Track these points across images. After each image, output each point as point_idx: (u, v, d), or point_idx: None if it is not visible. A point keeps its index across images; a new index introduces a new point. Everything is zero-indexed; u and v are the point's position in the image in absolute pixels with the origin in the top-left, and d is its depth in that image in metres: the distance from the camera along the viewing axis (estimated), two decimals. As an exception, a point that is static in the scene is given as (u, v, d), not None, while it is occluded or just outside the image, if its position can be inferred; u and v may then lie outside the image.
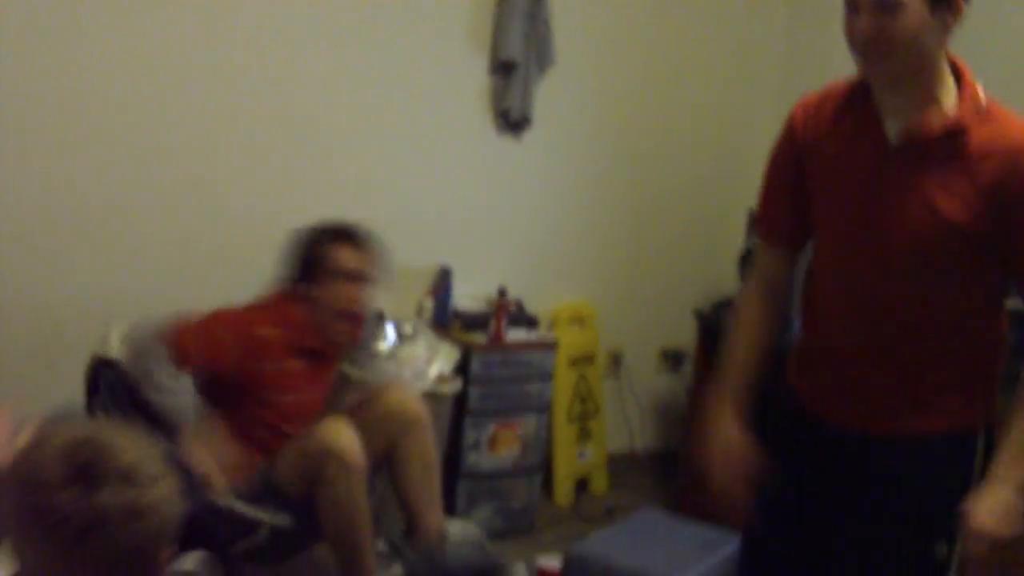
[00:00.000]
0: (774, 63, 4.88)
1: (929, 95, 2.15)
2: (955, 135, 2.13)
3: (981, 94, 2.16)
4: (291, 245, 3.34)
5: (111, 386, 3.19)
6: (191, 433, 3.10)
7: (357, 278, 3.30)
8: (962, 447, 2.26)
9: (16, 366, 3.58)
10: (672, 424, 4.92)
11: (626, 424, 4.85)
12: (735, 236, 4.44)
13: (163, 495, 1.56)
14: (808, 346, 2.49)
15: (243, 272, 3.84)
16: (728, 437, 2.40)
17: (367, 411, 3.32)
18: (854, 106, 2.28)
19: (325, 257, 3.29)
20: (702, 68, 4.78)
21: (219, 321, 3.20)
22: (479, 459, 4.08)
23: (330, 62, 3.94)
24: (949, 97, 2.16)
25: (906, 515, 2.25)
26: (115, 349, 3.27)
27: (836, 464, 2.33)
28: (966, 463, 2.25)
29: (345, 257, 3.29)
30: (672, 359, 4.89)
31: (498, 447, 4.13)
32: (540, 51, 4.24)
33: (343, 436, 3.09)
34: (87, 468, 1.51)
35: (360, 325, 3.42)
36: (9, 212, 3.53)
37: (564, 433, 4.54)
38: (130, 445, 1.57)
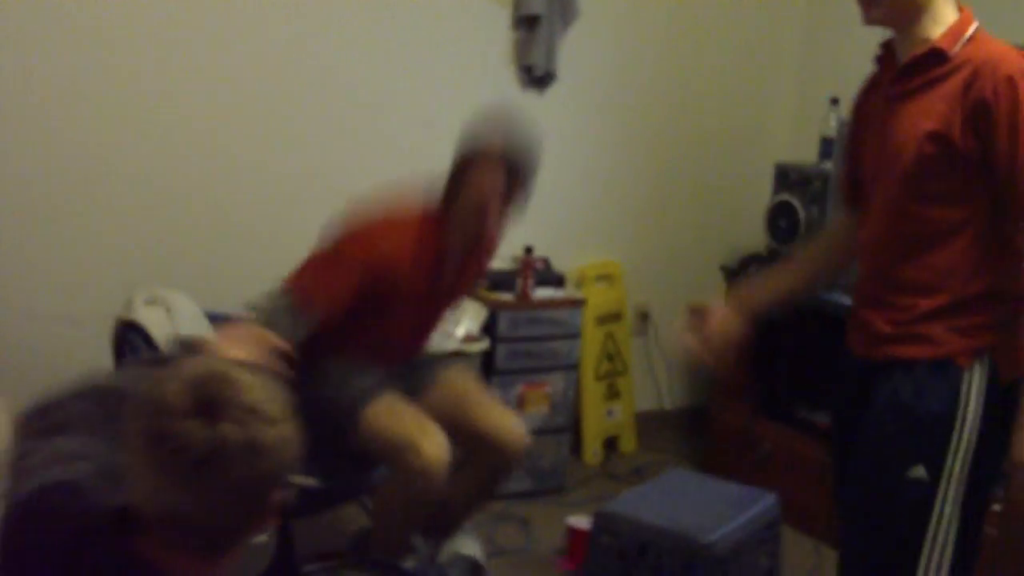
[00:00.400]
0: (799, 15, 4.81)
1: (925, 34, 2.32)
2: (931, 57, 2.31)
3: (970, 29, 2.34)
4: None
5: (136, 349, 3.18)
6: None
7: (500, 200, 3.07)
8: (945, 376, 2.35)
9: (42, 330, 3.57)
10: (700, 381, 4.89)
11: (654, 382, 4.83)
12: (762, 191, 4.39)
13: (283, 436, 1.58)
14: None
15: (268, 234, 3.85)
16: (724, 314, 2.63)
17: (467, 424, 3.19)
18: (885, 57, 2.48)
19: (479, 166, 3.05)
20: (727, 22, 4.72)
21: (347, 259, 3.01)
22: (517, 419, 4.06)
23: (353, 20, 3.91)
24: (944, 28, 2.33)
25: (892, 437, 2.38)
26: (139, 313, 3.25)
27: (852, 390, 2.50)
28: (949, 393, 2.34)
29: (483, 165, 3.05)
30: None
31: (526, 406, 4.12)
32: (564, 4, 4.18)
33: (437, 450, 2.96)
34: (213, 400, 1.54)
35: (490, 250, 3.32)
36: (33, 178, 3.52)
37: (592, 392, 4.52)
38: (257, 384, 1.60)
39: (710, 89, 4.75)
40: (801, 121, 4.75)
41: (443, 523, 3.32)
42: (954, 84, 2.28)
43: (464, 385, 3.31)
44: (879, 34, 4.38)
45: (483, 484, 3.31)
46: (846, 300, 3.87)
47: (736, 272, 4.37)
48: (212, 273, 3.72)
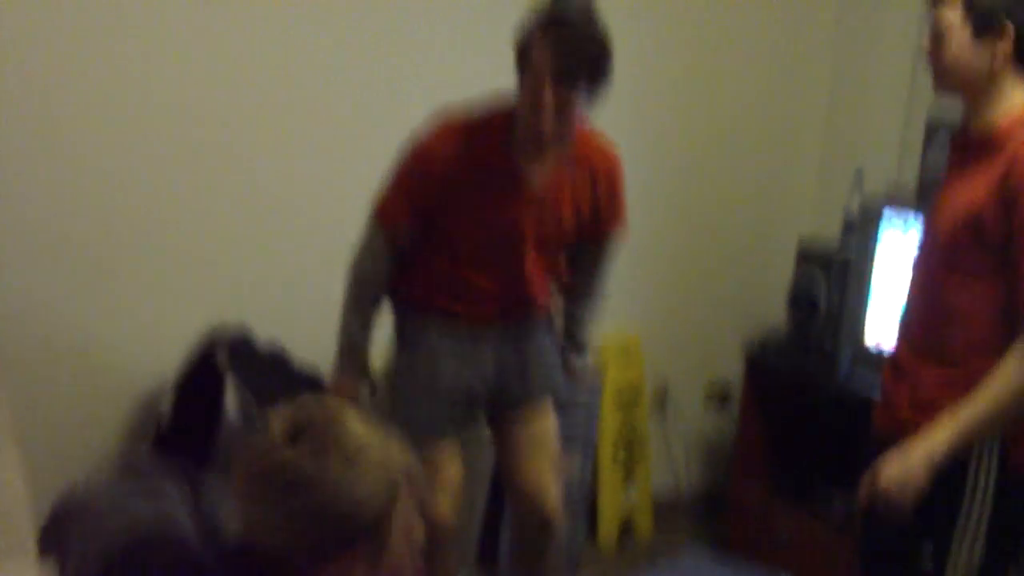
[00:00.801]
0: (822, 90, 4.77)
1: (986, 106, 2.43)
2: (988, 139, 2.41)
3: None
4: None
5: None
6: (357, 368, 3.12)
7: (541, 73, 2.77)
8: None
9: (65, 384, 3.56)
10: (718, 464, 4.80)
11: (671, 464, 4.75)
12: (784, 267, 4.32)
13: (357, 484, 1.60)
14: None
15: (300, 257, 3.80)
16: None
17: (512, 473, 3.23)
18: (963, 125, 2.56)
19: (531, 46, 2.80)
20: (750, 94, 4.67)
21: (401, 164, 2.98)
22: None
23: (381, 83, 3.87)
24: (1008, 111, 2.42)
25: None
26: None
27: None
28: (958, 472, 2.38)
29: (541, 55, 2.77)
30: (719, 396, 4.77)
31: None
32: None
33: (444, 508, 3.06)
34: (302, 426, 1.61)
35: (560, 126, 2.88)
36: (61, 228, 3.49)
37: (609, 474, 4.44)
38: (362, 429, 1.65)
39: (733, 162, 4.70)
40: (825, 196, 4.70)
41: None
42: (998, 165, 2.35)
43: (537, 438, 3.24)
44: (902, 110, 4.37)
45: (526, 554, 3.30)
46: (867, 386, 3.81)
47: (756, 352, 4.30)
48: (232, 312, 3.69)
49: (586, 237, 3.16)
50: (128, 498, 1.87)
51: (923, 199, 3.78)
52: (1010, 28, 2.37)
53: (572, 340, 3.35)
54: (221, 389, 3.38)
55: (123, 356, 3.63)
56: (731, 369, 4.60)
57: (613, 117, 4.27)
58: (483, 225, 2.99)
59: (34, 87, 3.35)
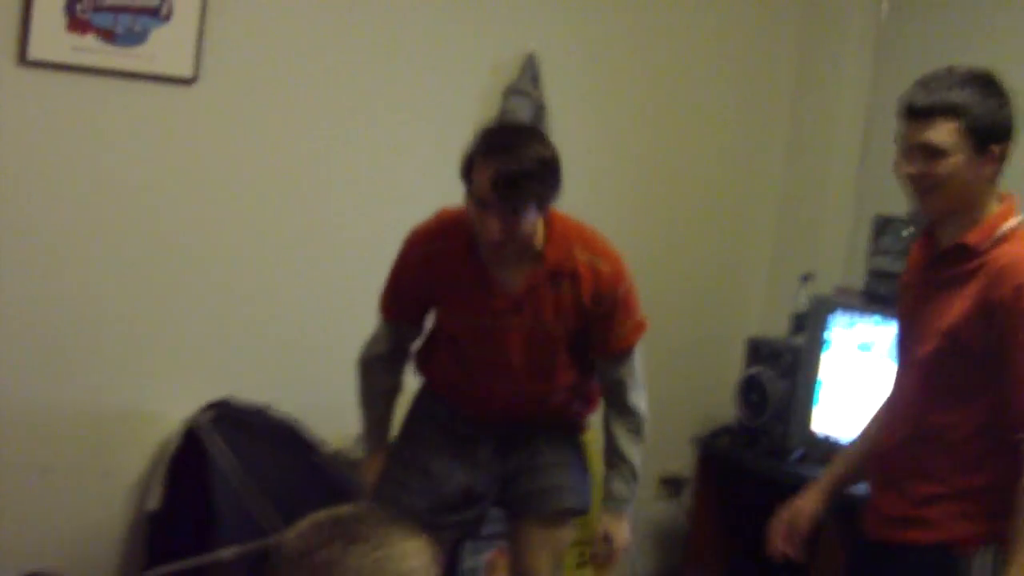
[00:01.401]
0: (772, 197, 4.92)
1: (967, 221, 2.41)
2: (959, 253, 2.40)
3: (1005, 225, 2.40)
4: None
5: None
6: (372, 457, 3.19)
7: (489, 206, 2.78)
8: (945, 563, 2.38)
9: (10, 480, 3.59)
10: (672, 552, 4.86)
11: (625, 552, 4.79)
12: (733, 364, 4.46)
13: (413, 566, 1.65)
14: None
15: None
16: (799, 504, 2.75)
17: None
18: (927, 238, 2.56)
19: (472, 170, 2.83)
20: (702, 199, 4.83)
21: (397, 263, 3.09)
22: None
23: (342, 185, 4.00)
24: (987, 224, 2.41)
25: None
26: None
27: (865, 571, 2.59)
28: None
29: (480, 178, 2.78)
30: (671, 485, 4.86)
31: (496, 574, 4.08)
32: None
33: None
34: (349, 529, 1.65)
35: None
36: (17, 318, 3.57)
37: (564, 561, 4.48)
38: (397, 544, 1.67)
39: (682, 261, 4.82)
40: (773, 296, 4.83)
41: None
42: (977, 285, 2.36)
43: (542, 538, 3.24)
44: (850, 216, 4.52)
45: None
46: (818, 475, 3.92)
47: (707, 444, 4.41)
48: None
49: (594, 352, 3.12)
50: None
51: (871, 296, 3.94)
52: (1004, 147, 2.39)
53: (606, 485, 3.23)
54: (206, 463, 3.46)
55: (96, 446, 3.72)
56: (684, 461, 4.68)
57: (568, 208, 4.43)
58: (465, 326, 3.06)
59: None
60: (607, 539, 3.18)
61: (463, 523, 3.20)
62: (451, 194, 2.97)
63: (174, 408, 3.68)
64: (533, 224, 2.85)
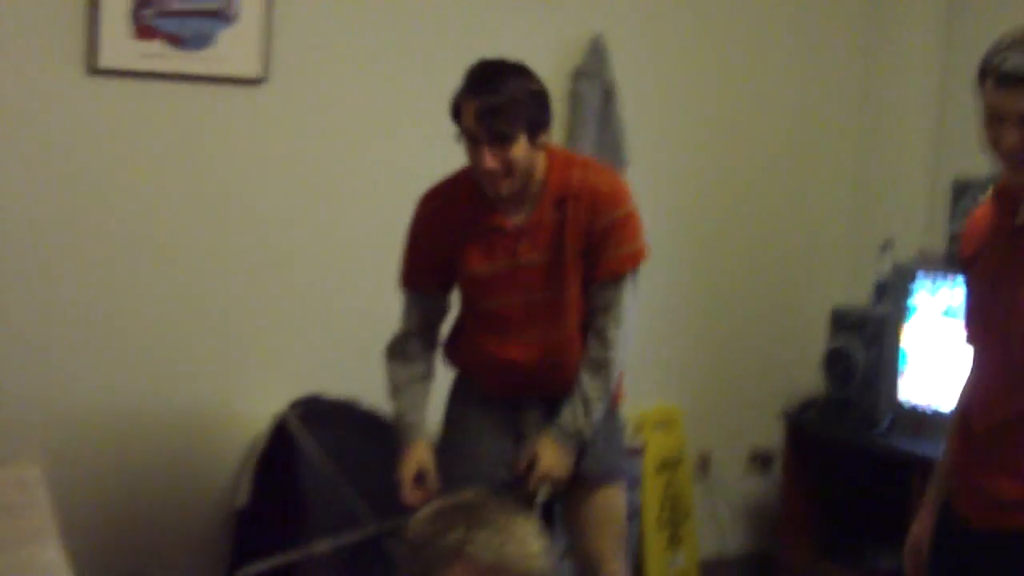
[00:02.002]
0: (849, 164, 4.87)
1: None
2: None
3: None
4: None
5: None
6: (406, 448, 3.12)
7: (478, 140, 2.89)
8: None
9: (106, 484, 3.67)
10: (764, 527, 4.84)
11: (717, 528, 4.79)
12: (818, 335, 4.42)
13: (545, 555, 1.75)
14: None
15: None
16: (917, 533, 2.56)
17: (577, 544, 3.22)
18: (1002, 201, 2.35)
19: (460, 110, 2.93)
20: (778, 170, 4.79)
21: (409, 232, 3.15)
22: (564, 570, 4.03)
23: (404, 163, 4.00)
24: None
25: None
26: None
27: (970, 561, 2.39)
28: None
29: (467, 114, 2.89)
30: (761, 460, 4.83)
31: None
32: (612, 155, 4.27)
33: None
34: (472, 515, 1.73)
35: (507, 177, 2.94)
36: (97, 331, 3.64)
37: (654, 539, 4.49)
38: (518, 529, 1.75)
39: (762, 234, 4.80)
40: (855, 265, 4.77)
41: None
42: None
43: (596, 514, 3.20)
44: (928, 180, 4.46)
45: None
46: (908, 444, 3.88)
47: (795, 418, 4.38)
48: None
49: (588, 277, 3.05)
50: None
51: (952, 261, 3.87)
52: None
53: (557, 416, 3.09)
54: (295, 458, 3.50)
55: (185, 445, 3.79)
56: (771, 434, 4.66)
57: (643, 190, 4.42)
58: (483, 276, 3.06)
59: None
60: (532, 461, 3.06)
61: (523, 499, 3.13)
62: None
63: (263, 406, 3.72)
64: (527, 155, 2.90)
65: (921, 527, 2.55)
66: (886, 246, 4.25)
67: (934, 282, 3.88)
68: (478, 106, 2.84)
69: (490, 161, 2.86)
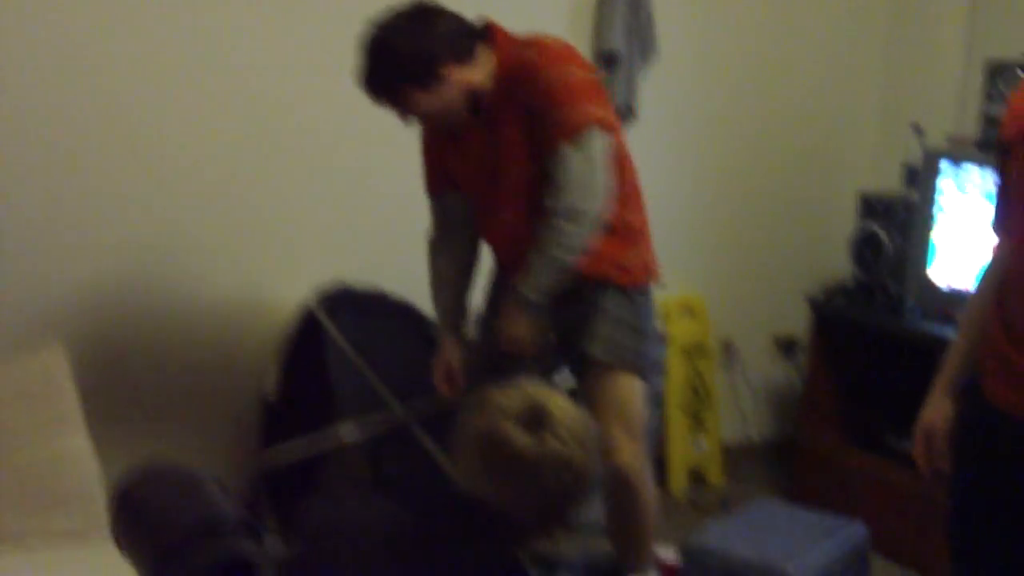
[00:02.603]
0: (879, 45, 4.79)
1: None
2: None
3: None
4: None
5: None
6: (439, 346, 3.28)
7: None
8: None
9: (131, 372, 3.67)
10: (787, 412, 4.86)
11: (740, 414, 4.81)
12: (845, 220, 4.38)
13: (589, 462, 1.88)
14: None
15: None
16: (929, 419, 2.52)
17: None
18: None
19: None
20: (806, 49, 4.72)
21: (421, 138, 3.24)
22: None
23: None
24: None
25: None
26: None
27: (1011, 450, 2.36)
28: None
29: None
30: (785, 346, 4.83)
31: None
32: (643, 42, 4.21)
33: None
34: (541, 417, 1.85)
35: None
36: (122, 221, 3.62)
37: (678, 424, 4.52)
38: (576, 415, 1.90)
39: (789, 117, 4.75)
40: (883, 148, 4.72)
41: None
42: None
43: (604, 398, 3.19)
44: (961, 62, 4.38)
45: (611, 513, 3.38)
46: (936, 328, 3.86)
47: (821, 303, 4.35)
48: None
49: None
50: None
51: (985, 145, 3.82)
52: None
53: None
54: (323, 347, 3.50)
55: (205, 336, 3.79)
56: (797, 321, 4.65)
57: (672, 78, 4.37)
58: (469, 172, 3.15)
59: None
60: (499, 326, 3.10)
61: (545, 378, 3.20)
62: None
63: (291, 294, 3.73)
64: (443, 94, 2.94)
65: (935, 412, 2.50)
66: (917, 129, 4.18)
67: (965, 167, 3.81)
68: (366, 92, 2.96)
69: (409, 121, 3.03)
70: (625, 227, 3.12)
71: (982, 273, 2.49)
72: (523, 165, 3.02)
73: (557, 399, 1.90)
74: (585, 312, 3.14)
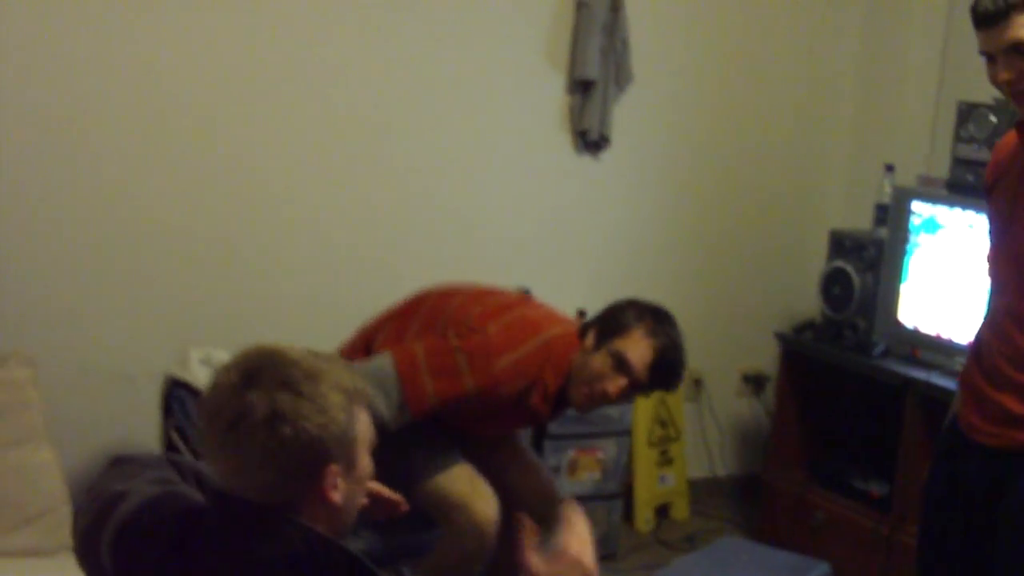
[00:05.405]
0: (852, 85, 4.80)
1: None
2: None
3: None
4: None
5: (185, 406, 3.21)
6: None
7: (626, 371, 2.96)
8: None
9: (95, 387, 3.62)
10: (754, 449, 4.85)
11: (707, 449, 4.79)
12: (816, 258, 4.38)
13: (316, 406, 1.66)
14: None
15: (326, 295, 3.87)
16: None
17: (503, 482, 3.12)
18: (1020, 132, 2.36)
19: (624, 327, 3.00)
20: (779, 87, 4.72)
21: (464, 357, 2.90)
22: (559, 484, 4.03)
23: (408, 86, 3.94)
24: None
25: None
26: (192, 372, 3.28)
27: (977, 477, 2.42)
28: None
29: (636, 344, 2.98)
30: (753, 382, 4.82)
31: (578, 472, 4.10)
32: (618, 69, 4.21)
33: (488, 509, 2.95)
34: (250, 371, 1.67)
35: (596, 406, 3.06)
36: (89, 230, 3.57)
37: (645, 458, 4.49)
38: (304, 360, 1.70)
39: (762, 156, 4.75)
40: (855, 187, 4.73)
41: None
42: None
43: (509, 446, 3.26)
44: (932, 103, 4.39)
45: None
46: (903, 369, 3.85)
47: (790, 339, 4.34)
48: (264, 334, 3.74)
49: None
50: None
51: (956, 186, 3.82)
52: None
53: None
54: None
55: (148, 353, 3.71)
56: (766, 357, 4.64)
57: (645, 107, 4.37)
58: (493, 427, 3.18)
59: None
60: None
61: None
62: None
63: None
64: None
65: None
66: (889, 168, 4.19)
67: (935, 206, 3.82)
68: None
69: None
70: None
71: None
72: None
73: (276, 349, 1.74)
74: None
